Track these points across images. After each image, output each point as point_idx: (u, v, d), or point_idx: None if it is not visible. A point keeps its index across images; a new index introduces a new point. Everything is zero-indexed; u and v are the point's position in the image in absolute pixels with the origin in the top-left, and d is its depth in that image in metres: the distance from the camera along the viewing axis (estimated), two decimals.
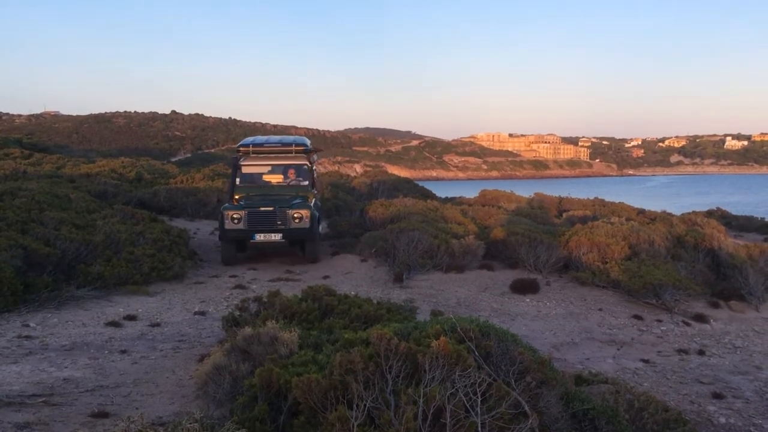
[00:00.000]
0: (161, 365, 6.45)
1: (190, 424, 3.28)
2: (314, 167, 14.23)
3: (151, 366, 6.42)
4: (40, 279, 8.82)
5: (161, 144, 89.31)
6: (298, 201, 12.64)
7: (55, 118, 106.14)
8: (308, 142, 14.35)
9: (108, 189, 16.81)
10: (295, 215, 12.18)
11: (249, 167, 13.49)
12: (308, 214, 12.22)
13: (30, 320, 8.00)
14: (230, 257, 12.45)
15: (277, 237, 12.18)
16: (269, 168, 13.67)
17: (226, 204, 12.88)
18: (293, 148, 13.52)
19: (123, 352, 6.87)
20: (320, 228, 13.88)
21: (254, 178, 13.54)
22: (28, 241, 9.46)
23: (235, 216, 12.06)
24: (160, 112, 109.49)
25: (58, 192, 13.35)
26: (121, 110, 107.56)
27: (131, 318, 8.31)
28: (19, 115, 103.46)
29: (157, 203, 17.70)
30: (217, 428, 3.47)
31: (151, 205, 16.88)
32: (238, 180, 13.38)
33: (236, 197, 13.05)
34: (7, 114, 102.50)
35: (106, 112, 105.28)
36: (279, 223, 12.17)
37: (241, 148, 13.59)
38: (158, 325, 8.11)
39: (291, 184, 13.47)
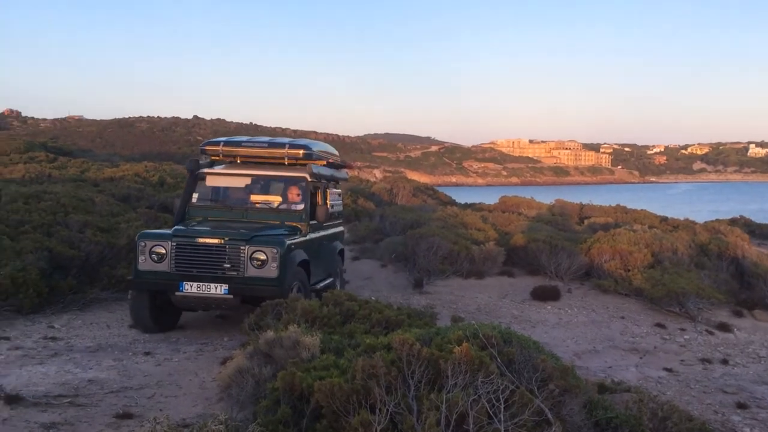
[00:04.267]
0: (184, 367, 6.51)
1: (216, 425, 3.32)
2: (328, 186, 9.44)
3: (174, 368, 6.48)
4: (64, 281, 8.94)
5: (183, 149, 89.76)
6: (268, 233, 7.84)
7: (79, 122, 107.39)
8: (317, 146, 9.46)
9: (131, 193, 16.96)
10: (256, 255, 7.37)
11: (216, 178, 8.73)
12: (277, 256, 7.35)
13: (55, 322, 8.12)
14: (143, 318, 7.76)
15: (219, 290, 7.32)
16: (248, 181, 8.78)
17: (147, 230, 8.81)
18: (286, 151, 8.73)
19: (147, 354, 6.94)
20: (325, 283, 9.10)
21: (226, 197, 8.87)
22: (54, 243, 9.59)
23: (156, 249, 7.46)
24: (182, 117, 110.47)
25: (83, 195, 13.53)
26: (144, 115, 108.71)
27: None
28: (44, 120, 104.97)
29: None
30: (242, 430, 3.50)
31: (173, 209, 17.00)
32: (195, 196, 8.71)
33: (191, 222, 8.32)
34: (33, 118, 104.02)
35: (129, 117, 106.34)
36: (228, 266, 7.37)
37: (207, 148, 8.95)
38: (181, 327, 8.17)
39: (281, 208, 8.66)
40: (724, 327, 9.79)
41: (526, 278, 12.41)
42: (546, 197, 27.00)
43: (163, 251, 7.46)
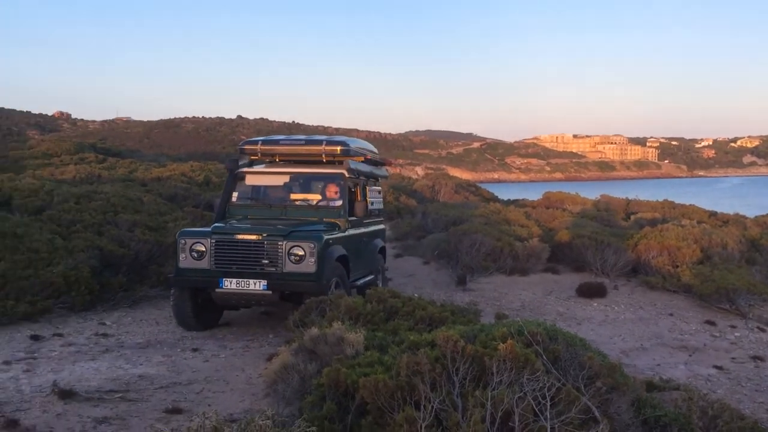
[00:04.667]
0: (231, 363, 6.63)
1: (262, 421, 3.37)
2: (367, 183, 9.58)
3: (221, 364, 6.60)
4: (115, 279, 9.19)
5: (228, 148, 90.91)
6: (306, 229, 7.88)
7: (127, 123, 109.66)
8: (355, 143, 9.42)
9: (178, 192, 17.26)
10: (293, 250, 7.40)
11: (255, 177, 8.92)
12: (315, 251, 7.37)
13: (106, 319, 8.33)
14: (186, 316, 7.82)
15: (258, 286, 7.38)
16: (287, 179, 8.89)
17: (187, 228, 8.91)
18: (323, 148, 8.72)
19: (195, 350, 7.08)
20: (366, 280, 9.21)
21: (265, 195, 8.97)
22: (104, 242, 9.84)
23: (196, 247, 7.56)
24: (226, 117, 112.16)
25: (132, 195, 13.82)
26: (190, 116, 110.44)
27: None
28: (93, 121, 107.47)
29: None
30: (288, 426, 3.54)
31: (214, 208, 17.20)
32: (235, 195, 8.85)
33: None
34: (82, 120, 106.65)
35: (174, 118, 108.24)
36: (266, 262, 7.43)
37: (245, 147, 9.05)
38: (228, 324, 8.31)
39: (319, 205, 8.68)
40: None
41: (571, 275, 12.27)
42: (591, 192, 26.60)
43: (203, 248, 7.54)
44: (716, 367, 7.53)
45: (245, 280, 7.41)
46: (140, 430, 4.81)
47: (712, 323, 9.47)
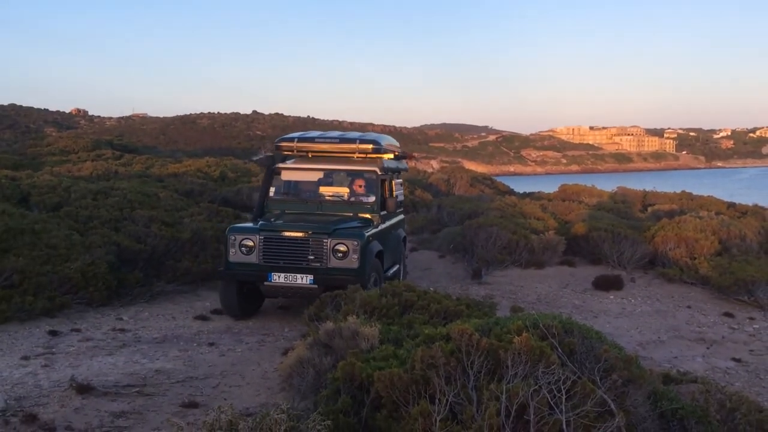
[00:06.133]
0: (247, 358, 6.67)
1: (278, 414, 3.38)
2: (393, 178, 9.92)
3: (237, 358, 6.64)
4: (131, 274, 9.24)
5: (243, 143, 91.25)
6: (347, 226, 8.32)
7: (144, 120, 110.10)
8: (385, 140, 9.80)
9: (194, 188, 17.30)
10: (338, 247, 7.88)
11: (291, 172, 9.30)
12: (358, 247, 7.84)
13: (123, 314, 8.39)
14: (233, 305, 8.27)
15: (305, 280, 7.83)
16: (321, 175, 9.30)
17: (236, 224, 9.16)
18: (357, 146, 9.16)
19: (211, 344, 7.12)
20: (393, 270, 9.56)
21: (299, 190, 9.33)
22: (121, 238, 9.91)
23: (245, 242, 8.03)
24: (242, 113, 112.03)
25: (148, 191, 13.87)
26: (206, 111, 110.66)
27: (218, 312, 8.56)
28: (110, 118, 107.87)
29: (241, 201, 18.10)
30: (303, 419, 3.55)
31: (234, 203, 17.28)
32: (272, 190, 9.24)
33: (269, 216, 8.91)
34: (99, 117, 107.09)
35: (191, 114, 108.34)
36: (312, 258, 7.89)
37: (282, 144, 9.36)
38: (244, 319, 8.34)
39: (352, 200, 9.11)
40: None
41: (587, 268, 12.21)
42: (608, 185, 26.43)
43: (252, 244, 8.01)
44: (734, 359, 7.47)
45: (293, 274, 7.87)
46: (157, 424, 4.86)
47: (730, 315, 9.40)
